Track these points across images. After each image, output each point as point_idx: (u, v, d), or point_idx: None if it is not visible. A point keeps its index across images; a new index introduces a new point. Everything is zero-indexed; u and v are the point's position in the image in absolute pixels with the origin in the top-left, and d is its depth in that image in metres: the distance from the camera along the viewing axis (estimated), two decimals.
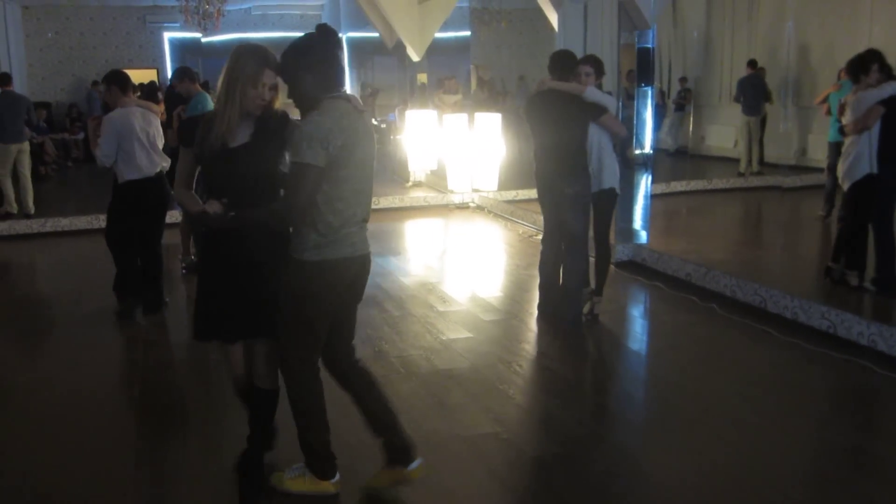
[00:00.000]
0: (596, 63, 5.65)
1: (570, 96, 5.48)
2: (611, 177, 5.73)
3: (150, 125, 5.91)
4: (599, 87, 5.70)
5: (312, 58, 3.07)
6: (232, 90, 3.12)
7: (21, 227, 9.64)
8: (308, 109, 3.09)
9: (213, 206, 3.11)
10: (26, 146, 10.53)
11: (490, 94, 15.46)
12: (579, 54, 6.07)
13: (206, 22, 17.92)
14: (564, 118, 5.54)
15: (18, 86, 15.18)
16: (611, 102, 5.60)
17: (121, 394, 4.86)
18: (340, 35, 13.58)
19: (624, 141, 5.97)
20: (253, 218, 3.14)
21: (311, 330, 3.21)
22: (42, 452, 3.96)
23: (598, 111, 5.54)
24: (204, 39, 19.75)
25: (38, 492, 3.60)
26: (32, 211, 10.29)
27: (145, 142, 5.81)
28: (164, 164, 6.00)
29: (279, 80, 3.17)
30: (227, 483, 3.53)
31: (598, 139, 5.65)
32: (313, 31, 3.13)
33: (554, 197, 5.65)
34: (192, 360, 5.36)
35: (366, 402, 3.45)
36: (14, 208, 10.29)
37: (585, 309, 5.82)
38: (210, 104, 7.40)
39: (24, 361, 5.45)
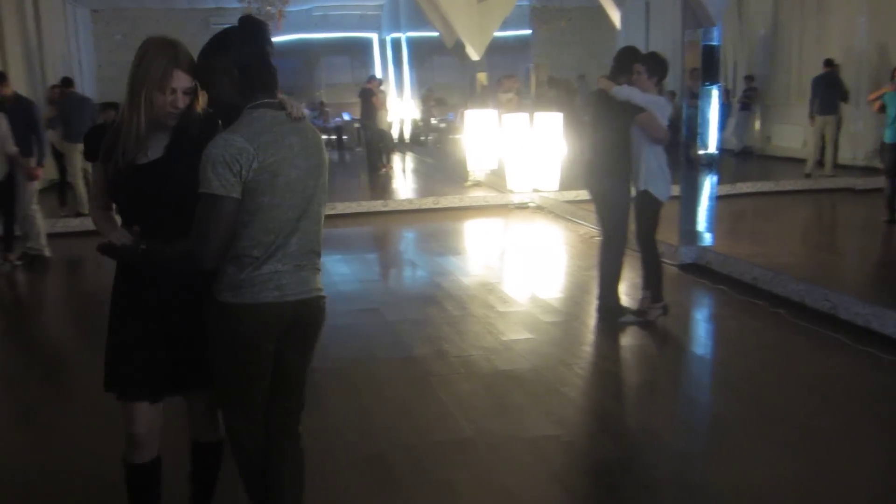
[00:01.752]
0: (650, 61, 5.52)
1: (607, 95, 5.49)
2: (648, 179, 5.52)
3: None
4: (659, 86, 5.59)
5: (230, 56, 2.48)
6: (136, 96, 2.54)
7: (91, 223, 9.86)
8: (229, 121, 2.52)
9: (122, 237, 2.58)
10: None
11: (559, 93, 15.37)
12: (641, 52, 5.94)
13: (268, 23, 18.20)
14: (599, 117, 5.68)
15: (88, 87, 15.64)
16: (649, 102, 5.38)
17: None
18: (399, 35, 13.78)
19: (671, 144, 5.75)
20: (167, 255, 2.56)
21: (237, 385, 2.65)
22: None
23: (632, 111, 5.43)
24: None
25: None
26: None
27: None
28: None
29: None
30: None
31: (638, 140, 5.53)
32: (235, 24, 2.57)
33: (591, 195, 5.86)
34: None
35: (282, 493, 2.78)
36: (85, 208, 10.57)
37: (636, 308, 5.76)
38: None
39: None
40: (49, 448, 4.02)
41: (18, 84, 10.81)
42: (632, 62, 5.52)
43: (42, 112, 8.08)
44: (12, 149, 7.58)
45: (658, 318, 5.71)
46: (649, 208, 5.61)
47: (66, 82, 11.36)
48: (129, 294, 2.69)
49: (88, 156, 2.74)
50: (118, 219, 2.74)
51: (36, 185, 8.07)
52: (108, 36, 19.65)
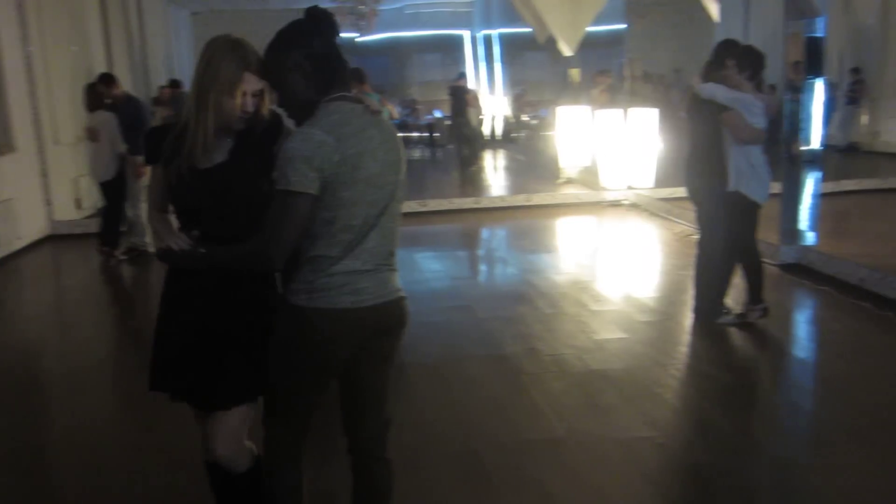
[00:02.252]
0: (740, 55, 5.32)
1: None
2: (739, 179, 5.31)
3: None
4: (755, 81, 5.37)
5: (301, 50, 2.37)
6: (203, 100, 2.45)
7: None
8: (304, 118, 2.38)
9: (180, 241, 2.51)
10: None
11: (654, 88, 15.14)
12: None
13: (360, 22, 18.44)
14: (691, 116, 5.61)
15: (187, 88, 16.14)
16: (733, 100, 5.20)
17: None
18: (491, 31, 13.77)
19: (772, 141, 5.56)
20: (229, 257, 2.44)
21: (291, 399, 2.51)
22: None
23: (717, 110, 5.27)
24: (358, 39, 20.30)
25: None
26: None
27: None
28: None
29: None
30: None
31: (729, 139, 5.34)
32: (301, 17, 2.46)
33: (687, 193, 5.75)
34: None
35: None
36: None
37: (735, 310, 5.61)
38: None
39: None
40: (152, 435, 4.15)
41: (123, 85, 11.26)
42: (724, 57, 5.36)
43: (150, 111, 8.38)
44: (122, 147, 7.90)
45: (758, 320, 5.54)
46: (741, 209, 5.40)
47: (175, 83, 11.78)
48: (173, 301, 2.64)
49: (149, 158, 2.61)
50: (175, 223, 2.65)
51: (143, 183, 8.37)
52: (206, 37, 20.08)
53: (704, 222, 5.57)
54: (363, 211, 2.34)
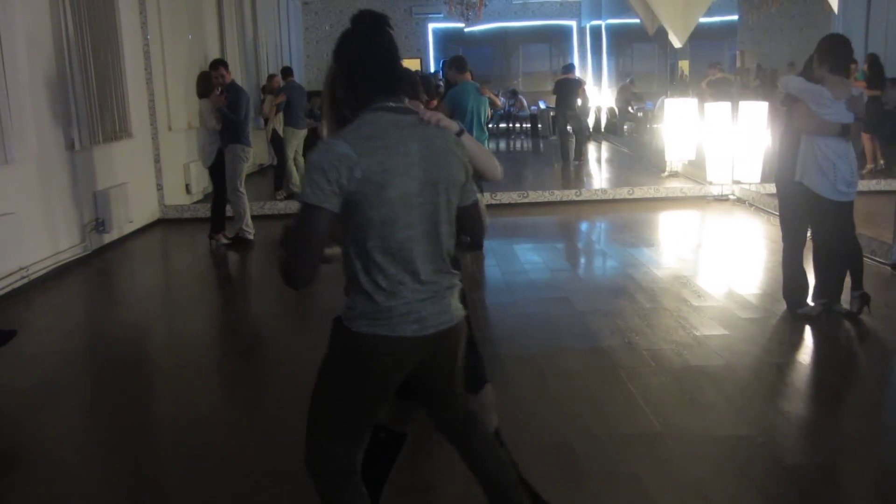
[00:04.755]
0: (820, 48, 5.29)
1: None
2: (803, 171, 5.31)
3: None
4: (841, 74, 5.25)
5: (341, 57, 2.33)
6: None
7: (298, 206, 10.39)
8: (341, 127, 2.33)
9: None
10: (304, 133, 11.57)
11: (764, 81, 14.71)
12: (859, 40, 5.64)
13: (468, 12, 18.54)
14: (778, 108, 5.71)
15: (298, 77, 16.55)
16: (801, 91, 5.26)
17: None
18: (599, 22, 13.56)
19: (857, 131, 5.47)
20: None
21: (352, 419, 2.43)
22: None
23: (790, 100, 5.38)
24: (466, 29, 20.42)
25: None
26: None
27: None
28: None
29: None
30: None
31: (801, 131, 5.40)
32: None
33: None
34: None
35: (484, 464, 2.67)
36: (297, 188, 11.30)
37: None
38: (468, 95, 7.67)
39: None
40: (250, 422, 4.29)
41: (235, 73, 11.63)
42: (848, 53, 5.30)
43: (248, 100, 8.58)
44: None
45: (860, 311, 5.49)
46: (808, 201, 5.38)
47: (287, 71, 12.12)
48: None
49: None
50: None
51: (243, 168, 8.61)
52: (316, 27, 20.70)
53: (781, 213, 5.69)
54: (401, 233, 2.21)
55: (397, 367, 2.34)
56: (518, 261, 7.64)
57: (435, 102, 9.54)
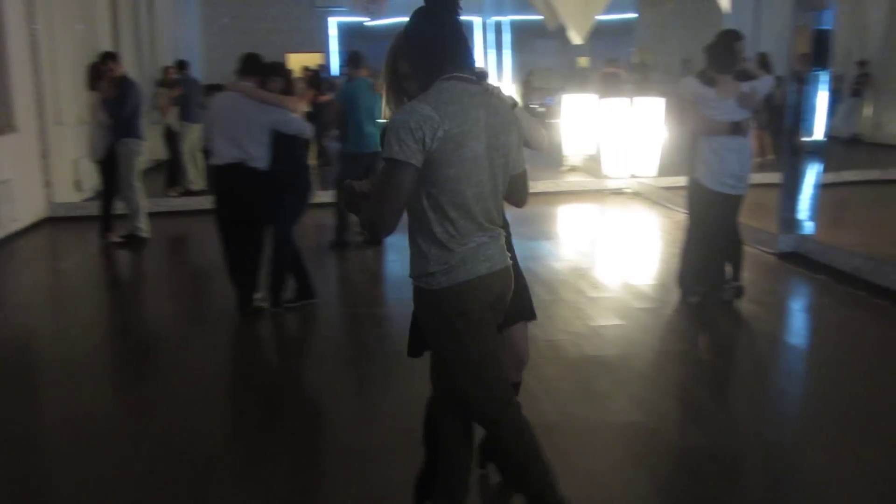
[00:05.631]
0: (707, 49, 5.56)
1: None
2: (697, 167, 5.58)
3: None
4: (730, 73, 5.49)
5: (417, 39, 2.59)
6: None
7: (194, 203, 9.99)
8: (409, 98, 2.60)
9: (361, 184, 2.72)
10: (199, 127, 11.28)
11: (661, 77, 15.13)
12: (749, 36, 5.86)
13: (371, 6, 18.42)
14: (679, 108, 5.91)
15: (195, 70, 16.18)
16: (695, 94, 5.50)
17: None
18: (501, 18, 13.62)
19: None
20: (362, 215, 2.57)
21: (487, 372, 2.60)
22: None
23: (685, 102, 5.64)
24: (368, 23, 20.30)
25: None
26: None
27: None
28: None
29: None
30: None
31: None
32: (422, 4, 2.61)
33: None
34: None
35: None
36: (193, 186, 11.02)
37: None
38: (361, 91, 7.60)
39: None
40: (144, 424, 4.19)
41: (129, 66, 11.24)
42: (735, 42, 5.51)
43: (139, 93, 8.31)
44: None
45: (733, 301, 5.75)
46: (698, 196, 5.63)
47: (182, 64, 11.77)
48: None
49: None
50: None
51: (137, 164, 8.33)
52: (215, 19, 20.25)
53: (687, 205, 5.88)
54: (471, 189, 2.46)
55: (486, 303, 2.56)
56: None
57: (325, 97, 9.45)
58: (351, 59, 8.08)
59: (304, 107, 5.93)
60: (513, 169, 2.62)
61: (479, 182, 2.48)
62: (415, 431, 3.85)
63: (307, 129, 5.76)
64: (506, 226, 2.81)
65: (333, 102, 8.06)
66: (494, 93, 2.62)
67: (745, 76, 5.53)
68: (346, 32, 21.37)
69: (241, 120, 5.49)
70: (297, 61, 17.44)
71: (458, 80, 2.49)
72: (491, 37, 21.39)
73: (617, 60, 15.02)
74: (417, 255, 2.53)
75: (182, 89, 11.04)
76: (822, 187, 7.34)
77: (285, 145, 5.61)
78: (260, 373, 4.97)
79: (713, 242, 5.66)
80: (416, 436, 3.75)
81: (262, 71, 5.66)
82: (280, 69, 5.81)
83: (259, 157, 5.52)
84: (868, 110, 15.80)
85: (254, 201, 5.59)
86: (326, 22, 21.20)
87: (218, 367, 5.12)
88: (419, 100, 2.44)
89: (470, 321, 2.52)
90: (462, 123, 2.41)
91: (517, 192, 2.72)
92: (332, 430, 4.08)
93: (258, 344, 5.55)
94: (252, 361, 5.22)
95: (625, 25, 19.57)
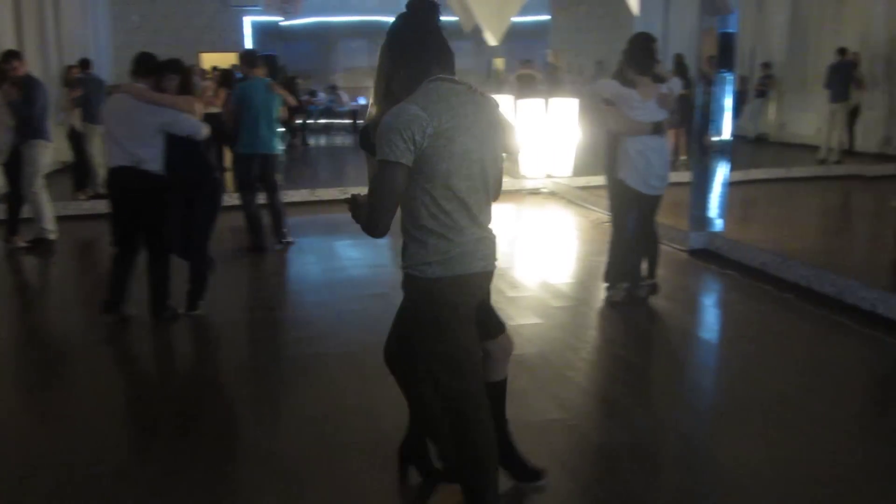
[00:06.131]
0: (627, 50, 5.64)
1: None
2: (621, 167, 5.68)
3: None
4: (648, 74, 5.61)
5: (399, 46, 2.66)
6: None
7: (104, 206, 9.73)
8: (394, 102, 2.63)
9: (362, 195, 2.74)
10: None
11: (575, 78, 15.36)
12: (659, 39, 5.99)
13: (286, 6, 18.21)
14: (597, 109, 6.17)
15: (105, 70, 15.72)
16: (616, 95, 5.59)
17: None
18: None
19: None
20: (360, 221, 2.66)
21: (462, 365, 2.70)
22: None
23: (604, 103, 5.74)
24: (283, 23, 20.06)
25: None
26: None
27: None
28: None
29: None
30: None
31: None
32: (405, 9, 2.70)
33: None
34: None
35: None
36: (100, 189, 10.67)
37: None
38: (256, 91, 7.45)
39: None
40: (49, 435, 4.06)
41: (34, 65, 10.83)
42: (651, 50, 5.64)
43: (52, 93, 8.02)
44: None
45: (650, 298, 5.90)
46: (622, 195, 5.74)
47: (85, 63, 11.39)
48: None
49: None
50: None
51: (43, 165, 8.03)
52: (125, 17, 19.70)
53: (609, 204, 5.98)
54: (463, 183, 2.56)
55: (473, 300, 2.69)
56: (338, 258, 7.61)
57: (222, 94, 9.23)
58: (245, 57, 7.86)
59: (201, 107, 5.69)
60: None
61: (471, 176, 2.58)
62: (335, 435, 3.86)
63: (201, 130, 5.51)
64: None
65: (229, 101, 7.82)
66: (481, 92, 2.71)
67: (658, 78, 5.67)
68: (261, 32, 21.07)
69: (128, 122, 5.32)
70: (211, 61, 17.13)
71: (444, 80, 2.59)
72: None
73: (532, 62, 15.21)
74: (414, 245, 2.62)
75: (83, 89, 10.69)
76: (731, 185, 7.58)
77: (182, 147, 5.44)
78: (172, 381, 4.85)
79: (633, 241, 5.78)
80: (337, 439, 3.74)
81: (156, 70, 5.48)
82: (176, 67, 5.57)
83: (149, 159, 5.34)
84: (773, 110, 16.37)
85: (147, 206, 5.42)
86: (241, 21, 20.86)
87: (129, 377, 4.99)
88: (406, 101, 2.53)
89: (457, 314, 2.63)
90: (451, 119, 2.51)
91: (498, 186, 2.82)
92: (250, 437, 4.01)
93: (171, 352, 5.42)
94: (165, 370, 5.10)
95: (539, 27, 19.83)
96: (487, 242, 2.70)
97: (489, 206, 2.70)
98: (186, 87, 5.57)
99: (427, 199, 2.55)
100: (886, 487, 3.44)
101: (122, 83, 6.05)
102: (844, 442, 3.81)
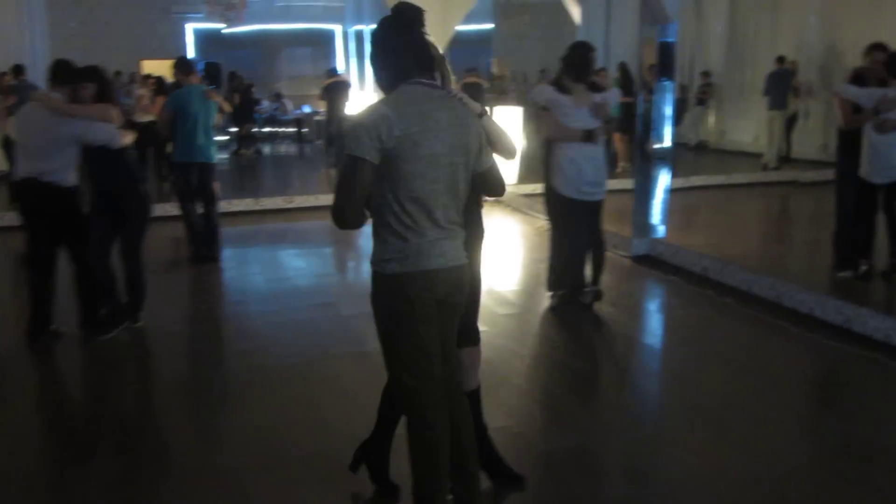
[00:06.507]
0: (564, 58, 5.69)
1: None
2: (553, 174, 5.74)
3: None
4: (584, 82, 5.67)
5: (380, 48, 2.75)
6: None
7: None
8: None
9: None
10: None
11: (519, 86, 15.44)
12: (599, 47, 6.08)
13: (229, 13, 18.04)
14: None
15: (41, 76, 15.35)
16: (550, 101, 5.64)
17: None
18: (362, 27, 13.50)
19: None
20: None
21: (413, 355, 2.75)
22: None
23: (540, 109, 5.84)
24: (226, 31, 19.86)
25: None
26: None
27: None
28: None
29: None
30: None
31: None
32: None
33: None
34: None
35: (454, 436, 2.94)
36: None
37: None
38: (192, 99, 7.33)
39: None
40: None
41: None
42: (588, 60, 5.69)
43: None
44: None
45: (595, 305, 5.91)
46: (556, 203, 5.80)
47: (18, 70, 11.08)
48: None
49: None
50: None
51: None
52: (63, 23, 19.27)
53: (548, 211, 6.02)
54: (428, 186, 2.62)
55: (432, 298, 2.70)
56: (283, 268, 7.54)
57: (159, 102, 9.05)
58: (180, 65, 7.68)
59: (118, 114, 5.43)
60: (480, 167, 2.79)
61: (436, 179, 2.63)
62: (280, 448, 3.81)
63: (116, 138, 5.29)
64: (478, 227, 3.15)
65: (164, 109, 7.63)
66: (459, 98, 2.80)
67: (596, 88, 5.73)
68: (204, 39, 20.82)
69: (39, 133, 5.13)
70: (153, 68, 16.85)
71: (422, 84, 2.69)
72: (352, 46, 21.40)
73: (476, 70, 15.24)
74: (378, 243, 2.71)
75: (17, 97, 10.41)
76: (673, 192, 7.70)
77: (106, 159, 5.28)
78: (111, 396, 4.74)
79: (571, 247, 5.82)
80: (283, 452, 3.70)
81: (72, 78, 5.29)
82: (92, 75, 5.34)
83: (56, 170, 5.14)
84: (712, 118, 16.68)
85: (59, 219, 5.25)
86: (183, 28, 20.59)
87: (64, 393, 4.87)
88: (381, 101, 2.66)
89: (412, 310, 2.68)
90: (419, 123, 2.59)
91: (492, 185, 2.89)
92: (191, 452, 3.94)
93: (109, 366, 5.28)
94: (102, 384, 4.97)
95: (484, 36, 19.92)
96: (449, 241, 2.72)
97: (456, 208, 2.73)
98: (104, 95, 5.34)
99: (391, 197, 2.62)
100: (826, 487, 3.51)
101: (36, 92, 5.85)
102: (784, 443, 3.89)
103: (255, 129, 18.29)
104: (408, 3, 2.77)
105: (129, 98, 13.47)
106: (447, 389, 2.90)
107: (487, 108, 2.96)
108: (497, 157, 2.98)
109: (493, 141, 2.96)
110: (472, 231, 3.12)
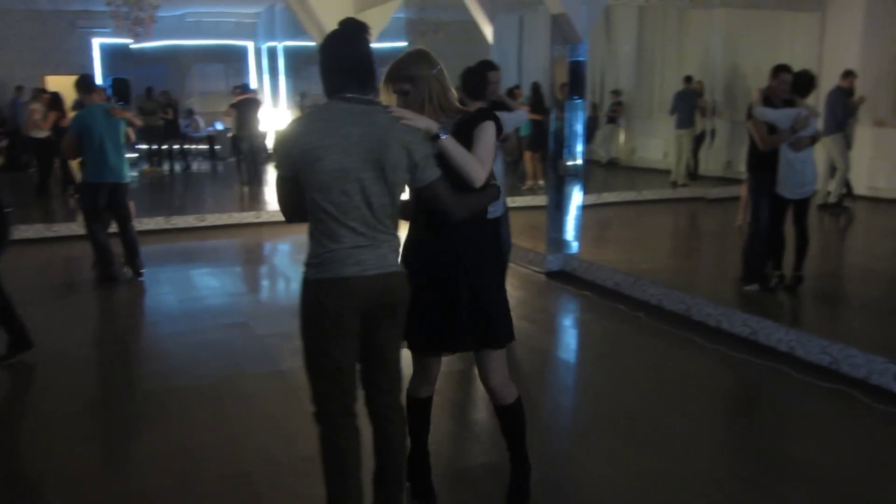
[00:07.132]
0: (462, 76, 5.36)
1: None
2: None
3: None
4: (481, 100, 5.64)
5: (319, 63, 2.81)
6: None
7: None
8: None
9: None
10: None
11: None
12: (513, 66, 6.12)
13: (137, 28, 17.62)
14: None
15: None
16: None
17: None
18: (275, 43, 13.37)
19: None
20: None
21: (320, 361, 2.76)
22: None
23: None
24: (134, 46, 19.41)
25: None
26: None
27: None
28: None
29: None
30: None
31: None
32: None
33: None
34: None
35: (382, 461, 2.99)
36: None
37: None
38: (96, 118, 7.11)
39: None
40: None
41: None
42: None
43: None
44: None
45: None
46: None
47: None
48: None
49: None
50: None
51: None
52: None
53: None
54: (338, 197, 2.65)
55: (346, 307, 2.69)
56: (195, 287, 7.38)
57: (51, 118, 8.72)
58: (81, 83, 7.41)
59: None
60: (415, 182, 2.76)
61: (347, 192, 2.65)
62: (194, 470, 3.71)
63: None
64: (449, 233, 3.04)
65: (69, 134, 7.34)
66: (395, 114, 2.74)
67: (502, 107, 5.75)
68: (111, 54, 20.27)
69: None
70: (57, 84, 16.34)
71: (344, 100, 2.71)
72: (265, 62, 21.19)
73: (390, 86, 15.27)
74: (310, 245, 2.76)
75: None
76: (585, 208, 7.84)
77: None
78: (13, 421, 4.54)
79: None
80: (197, 474, 3.61)
81: None
82: None
83: None
84: (623, 136, 17.10)
85: None
86: (89, 43, 20.00)
87: None
88: (294, 119, 2.80)
89: (325, 319, 2.70)
90: (324, 139, 2.64)
91: (429, 202, 2.83)
92: (99, 477, 3.80)
93: (10, 391, 5.08)
94: (2, 411, 4.78)
95: (397, 54, 19.96)
96: (367, 249, 2.70)
97: (378, 218, 2.71)
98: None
99: (311, 207, 2.71)
100: (736, 497, 3.60)
101: None
102: (697, 454, 3.98)
103: (164, 147, 17.92)
104: (351, 19, 2.82)
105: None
106: (382, 404, 2.93)
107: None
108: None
109: (453, 165, 2.92)
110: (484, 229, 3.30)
